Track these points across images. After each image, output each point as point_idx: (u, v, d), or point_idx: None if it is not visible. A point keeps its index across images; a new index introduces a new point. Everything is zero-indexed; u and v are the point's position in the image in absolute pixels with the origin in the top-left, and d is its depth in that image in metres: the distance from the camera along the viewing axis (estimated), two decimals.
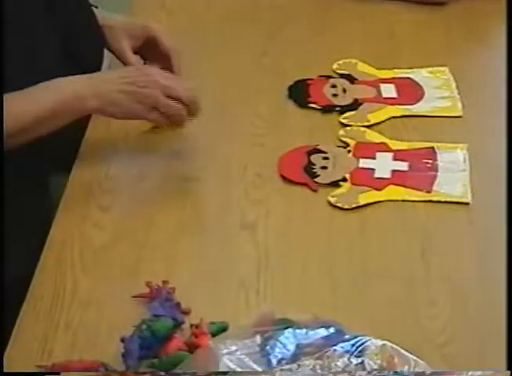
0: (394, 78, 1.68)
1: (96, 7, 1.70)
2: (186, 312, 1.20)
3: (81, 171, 1.50)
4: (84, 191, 1.46)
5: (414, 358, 1.10)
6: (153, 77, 1.44)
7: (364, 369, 1.08)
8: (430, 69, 1.71)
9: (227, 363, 1.07)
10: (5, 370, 1.13)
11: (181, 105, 1.42)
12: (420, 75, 1.69)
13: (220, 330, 1.17)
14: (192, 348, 1.13)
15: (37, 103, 1.44)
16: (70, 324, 1.21)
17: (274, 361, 1.08)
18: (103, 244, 1.35)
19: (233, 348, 1.09)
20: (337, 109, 1.61)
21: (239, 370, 1.06)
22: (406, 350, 1.08)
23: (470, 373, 1.07)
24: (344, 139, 1.53)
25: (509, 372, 1.13)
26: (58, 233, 1.37)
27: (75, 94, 1.44)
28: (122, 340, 1.14)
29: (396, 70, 1.70)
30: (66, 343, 1.18)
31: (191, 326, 1.17)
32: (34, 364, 1.14)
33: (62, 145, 1.51)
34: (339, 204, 1.39)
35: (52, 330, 1.20)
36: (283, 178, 1.45)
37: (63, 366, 1.13)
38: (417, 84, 1.67)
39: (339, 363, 1.09)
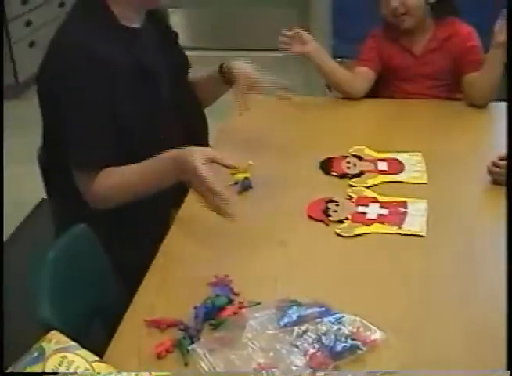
0: (386, 158, 1.71)
1: None
2: (237, 294, 1.25)
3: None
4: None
5: (374, 328, 1.14)
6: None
7: (342, 331, 1.11)
8: (410, 153, 1.72)
9: (252, 323, 1.13)
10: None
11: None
12: (402, 157, 1.71)
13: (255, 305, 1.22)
14: (236, 314, 1.18)
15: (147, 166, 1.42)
16: (169, 299, 1.25)
17: (282, 324, 1.14)
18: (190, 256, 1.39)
19: (257, 315, 1.15)
20: (349, 176, 1.64)
21: (258, 327, 1.10)
22: (370, 323, 1.13)
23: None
24: (350, 194, 1.57)
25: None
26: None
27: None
28: (194, 307, 1.20)
29: (388, 153, 1.73)
30: (164, 309, 1.22)
31: (238, 302, 1.22)
32: (143, 318, 1.19)
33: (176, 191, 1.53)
34: (342, 234, 1.43)
35: (156, 303, 1.24)
36: (309, 216, 1.49)
37: (158, 320, 1.18)
38: (401, 162, 1.69)
39: (323, 328, 1.12)
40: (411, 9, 1.96)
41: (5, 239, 2.57)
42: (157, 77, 1.54)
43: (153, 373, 1.03)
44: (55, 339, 1.04)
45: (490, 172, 1.57)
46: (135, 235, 1.52)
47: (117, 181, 1.44)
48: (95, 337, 1.31)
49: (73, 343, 1.05)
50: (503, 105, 1.91)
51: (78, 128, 1.42)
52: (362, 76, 2.06)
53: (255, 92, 1.70)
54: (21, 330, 1.10)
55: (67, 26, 1.48)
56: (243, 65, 1.72)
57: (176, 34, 1.75)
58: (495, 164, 1.56)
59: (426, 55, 2.02)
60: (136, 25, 1.54)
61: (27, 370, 0.99)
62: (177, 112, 1.61)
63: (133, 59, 1.48)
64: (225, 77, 1.74)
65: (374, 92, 2.08)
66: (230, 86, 1.74)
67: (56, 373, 1.00)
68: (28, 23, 3.87)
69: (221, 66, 1.75)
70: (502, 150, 1.57)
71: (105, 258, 1.43)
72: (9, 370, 1.02)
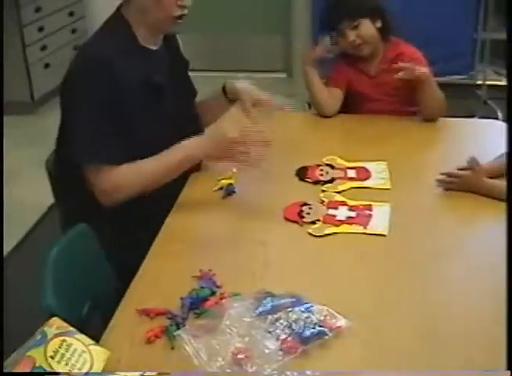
0: (355, 167, 1.77)
1: None
2: (219, 287, 1.29)
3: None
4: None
5: (340, 316, 1.19)
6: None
7: (310, 319, 1.16)
8: (376, 162, 1.79)
9: (231, 312, 1.18)
10: None
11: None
12: (370, 166, 1.77)
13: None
14: (217, 304, 1.23)
15: (170, 156, 1.53)
16: (159, 290, 1.31)
17: (257, 312, 1.19)
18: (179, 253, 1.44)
19: (236, 305, 1.20)
20: (322, 182, 1.71)
21: (236, 316, 1.16)
22: (337, 312, 1.19)
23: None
24: (322, 199, 1.63)
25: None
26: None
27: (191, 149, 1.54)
28: (181, 298, 1.25)
29: (357, 162, 1.79)
30: (155, 300, 1.27)
31: (220, 294, 1.27)
32: (135, 308, 1.24)
33: (168, 197, 1.59)
34: (314, 233, 1.49)
35: (148, 294, 1.29)
36: (285, 218, 1.55)
37: (148, 309, 1.23)
38: (368, 170, 1.76)
39: (294, 316, 1.17)
40: (366, 39, 2.04)
41: (15, 242, 2.68)
42: (163, 94, 1.62)
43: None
44: (56, 325, 1.09)
45: (441, 182, 1.64)
46: (133, 237, 1.54)
47: (137, 166, 1.51)
48: (93, 325, 1.35)
49: (72, 328, 1.10)
50: (449, 120, 2.06)
51: (86, 125, 1.50)
52: (333, 95, 2.12)
53: (257, 109, 1.72)
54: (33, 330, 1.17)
55: (96, 38, 1.60)
56: (245, 84, 1.78)
57: (187, 63, 1.83)
58: (447, 175, 1.63)
59: (379, 75, 2.08)
60: (153, 47, 1.65)
61: (31, 352, 1.05)
62: (179, 126, 1.65)
63: (144, 75, 1.58)
64: (229, 98, 1.79)
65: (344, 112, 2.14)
66: (232, 104, 1.77)
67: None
68: (43, 48, 4.06)
69: (223, 87, 1.81)
70: (452, 161, 1.67)
71: (103, 254, 1.47)
72: (14, 354, 1.04)
